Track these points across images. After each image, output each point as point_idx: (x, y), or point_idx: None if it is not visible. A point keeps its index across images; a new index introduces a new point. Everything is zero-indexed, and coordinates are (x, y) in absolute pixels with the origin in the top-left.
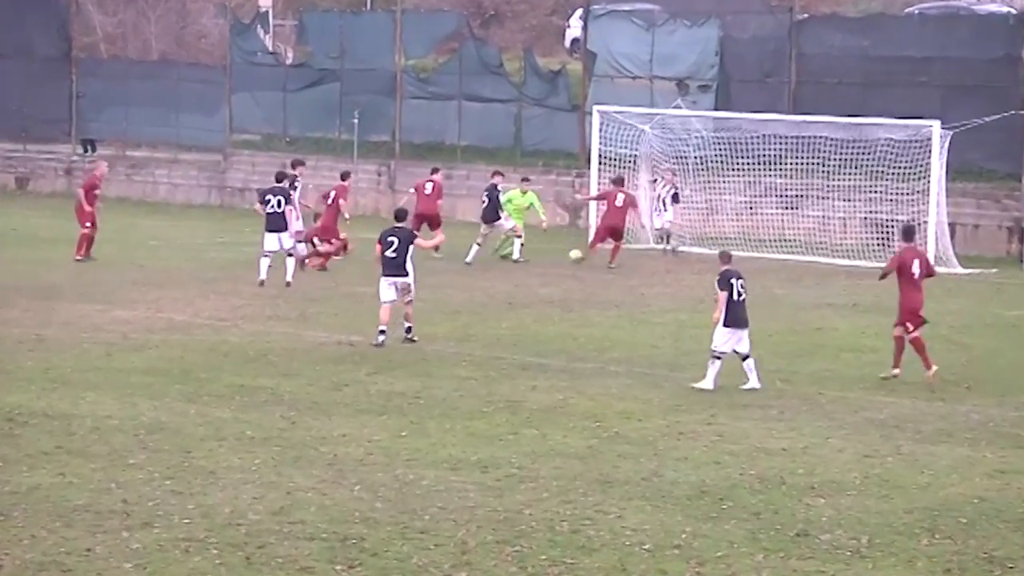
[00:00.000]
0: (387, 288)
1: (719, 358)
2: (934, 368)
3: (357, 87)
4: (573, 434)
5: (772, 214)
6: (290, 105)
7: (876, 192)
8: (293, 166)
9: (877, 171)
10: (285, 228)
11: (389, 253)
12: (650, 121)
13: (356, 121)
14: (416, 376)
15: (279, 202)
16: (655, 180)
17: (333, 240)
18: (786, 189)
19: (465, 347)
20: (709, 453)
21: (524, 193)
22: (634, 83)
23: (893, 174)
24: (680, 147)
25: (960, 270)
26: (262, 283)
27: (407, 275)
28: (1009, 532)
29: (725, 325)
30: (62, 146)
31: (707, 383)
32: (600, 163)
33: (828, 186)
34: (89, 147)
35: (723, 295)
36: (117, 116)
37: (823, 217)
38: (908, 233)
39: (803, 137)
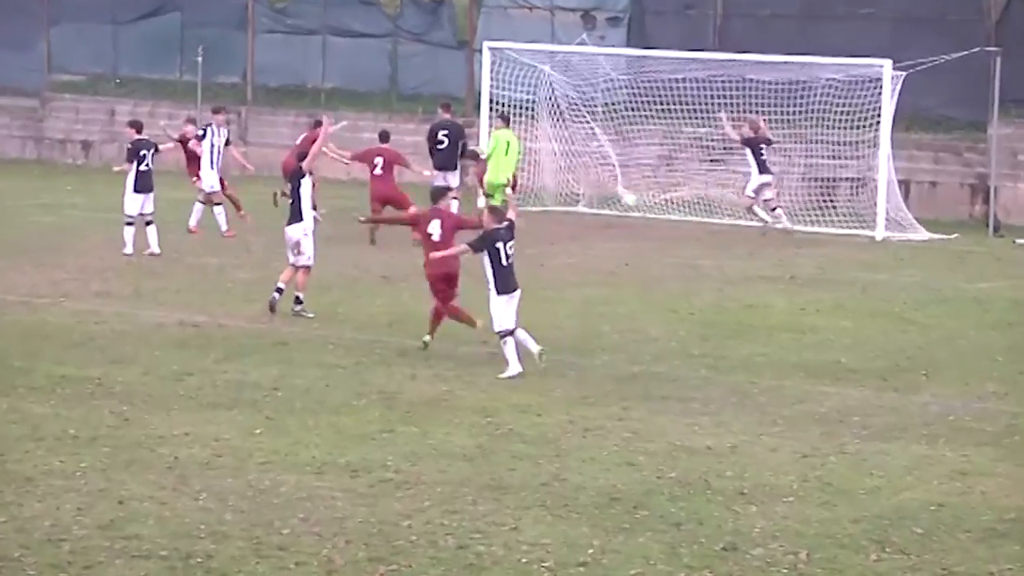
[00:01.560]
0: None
1: (509, 335)
2: None
3: (201, 18)
4: (459, 431)
5: (694, 170)
6: (121, 40)
7: (817, 144)
8: (214, 113)
9: (818, 119)
10: (152, 189)
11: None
12: (551, 60)
13: (200, 60)
14: (273, 364)
15: (151, 158)
16: (733, 125)
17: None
18: (711, 140)
19: (332, 329)
20: (621, 453)
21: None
22: (531, 15)
23: (836, 122)
24: (586, 91)
25: (917, 236)
26: (130, 256)
27: (300, 222)
28: (971, 544)
29: (499, 294)
30: None
31: (512, 368)
32: (491, 109)
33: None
34: None
35: (486, 259)
36: None
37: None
38: None
39: (731, 79)
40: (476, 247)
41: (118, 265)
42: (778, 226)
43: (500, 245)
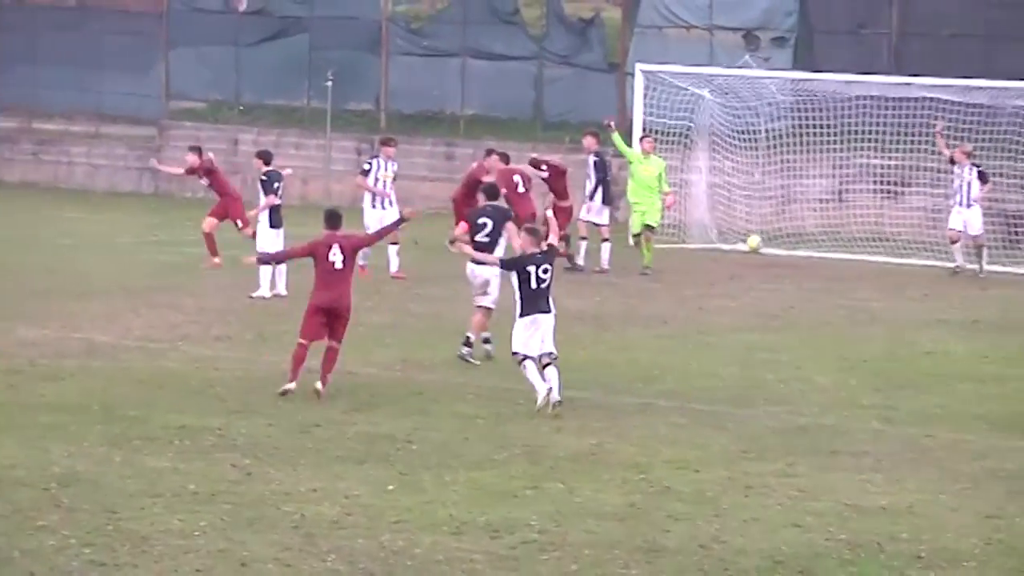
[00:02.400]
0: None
1: (525, 359)
2: None
3: (331, 40)
4: (610, 489)
5: (867, 204)
6: (244, 63)
7: (1002, 176)
8: (384, 144)
9: (1003, 149)
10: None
11: (481, 237)
12: (709, 84)
13: (329, 84)
14: (407, 414)
15: (280, 191)
16: (955, 162)
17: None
18: (886, 172)
19: (471, 376)
20: (786, 513)
21: (646, 158)
22: (689, 35)
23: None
24: (748, 118)
25: None
26: (267, 299)
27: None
28: None
29: (521, 316)
30: None
31: (541, 391)
32: (643, 138)
33: (940, 168)
34: None
35: (515, 280)
36: (22, 78)
37: (933, 208)
38: None
39: (907, 105)
40: (506, 265)
41: (241, 307)
42: (968, 267)
43: (532, 269)
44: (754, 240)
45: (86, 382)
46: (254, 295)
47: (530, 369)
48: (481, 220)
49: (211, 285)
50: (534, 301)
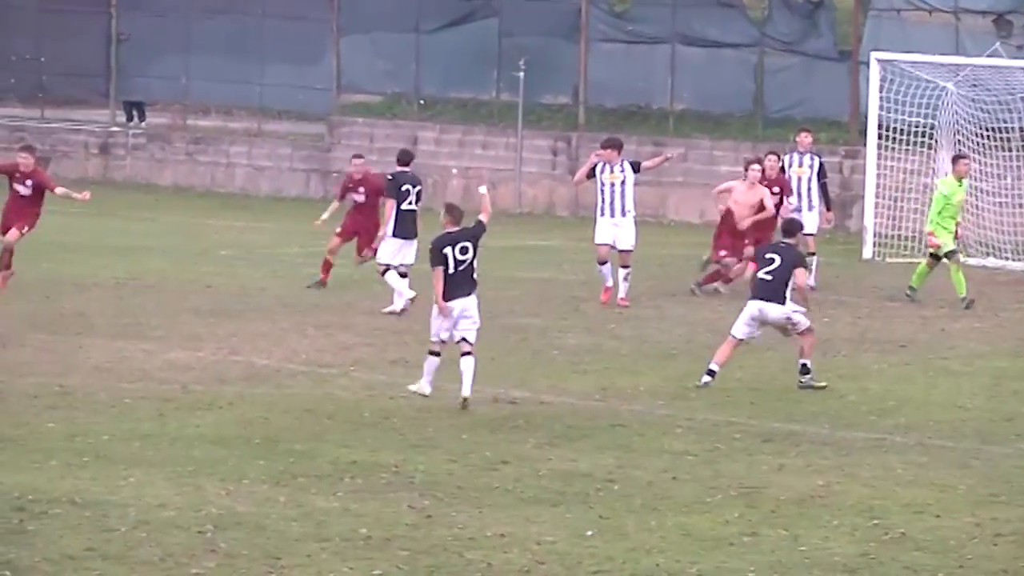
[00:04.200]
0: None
1: (438, 350)
2: None
3: (523, 26)
4: (839, 536)
5: None
6: (425, 52)
7: None
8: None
9: None
10: (417, 235)
11: (764, 274)
12: (955, 76)
13: (522, 75)
14: (608, 450)
15: (417, 195)
16: None
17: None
18: None
19: (681, 408)
20: None
21: (960, 182)
22: (931, 19)
23: None
24: (1000, 114)
25: None
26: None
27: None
28: None
29: (444, 299)
30: (96, 111)
31: (423, 388)
32: (881, 136)
33: None
34: (136, 113)
35: (438, 272)
36: (174, 69)
37: None
38: None
39: None
40: (432, 262)
41: (420, 328)
42: None
43: (448, 250)
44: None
45: (246, 411)
46: (385, 311)
47: (431, 363)
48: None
49: (386, 302)
50: (455, 285)
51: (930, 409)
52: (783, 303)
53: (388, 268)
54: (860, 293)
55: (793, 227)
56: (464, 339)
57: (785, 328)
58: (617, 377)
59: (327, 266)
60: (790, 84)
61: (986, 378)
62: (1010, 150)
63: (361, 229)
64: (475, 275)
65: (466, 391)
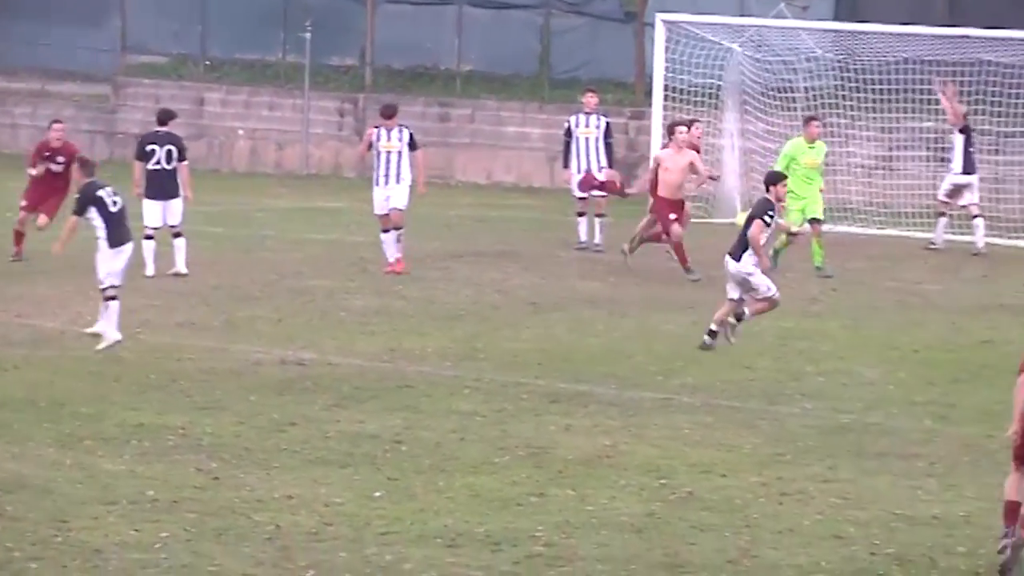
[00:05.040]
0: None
1: (115, 295)
2: None
3: None
4: (626, 495)
5: (920, 174)
6: (212, 13)
7: None
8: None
9: None
10: (176, 194)
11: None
12: (740, 37)
13: (308, 36)
14: (396, 411)
15: (168, 155)
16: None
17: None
18: (939, 138)
19: (468, 368)
20: (825, 524)
21: (813, 143)
22: None
23: None
24: (784, 75)
25: None
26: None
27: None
28: None
29: (111, 247)
30: None
31: (111, 336)
32: (666, 97)
33: (1003, 134)
34: None
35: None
36: None
37: (995, 179)
38: None
39: (965, 62)
40: (77, 211)
41: (207, 289)
42: (980, 245)
43: (102, 193)
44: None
45: (31, 375)
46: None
47: (113, 310)
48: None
49: (172, 264)
50: (120, 228)
51: (717, 369)
52: (738, 260)
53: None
54: (646, 254)
55: (768, 179)
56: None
57: (747, 288)
58: (405, 338)
59: (18, 237)
60: (576, 45)
61: (772, 338)
62: (795, 110)
63: (48, 198)
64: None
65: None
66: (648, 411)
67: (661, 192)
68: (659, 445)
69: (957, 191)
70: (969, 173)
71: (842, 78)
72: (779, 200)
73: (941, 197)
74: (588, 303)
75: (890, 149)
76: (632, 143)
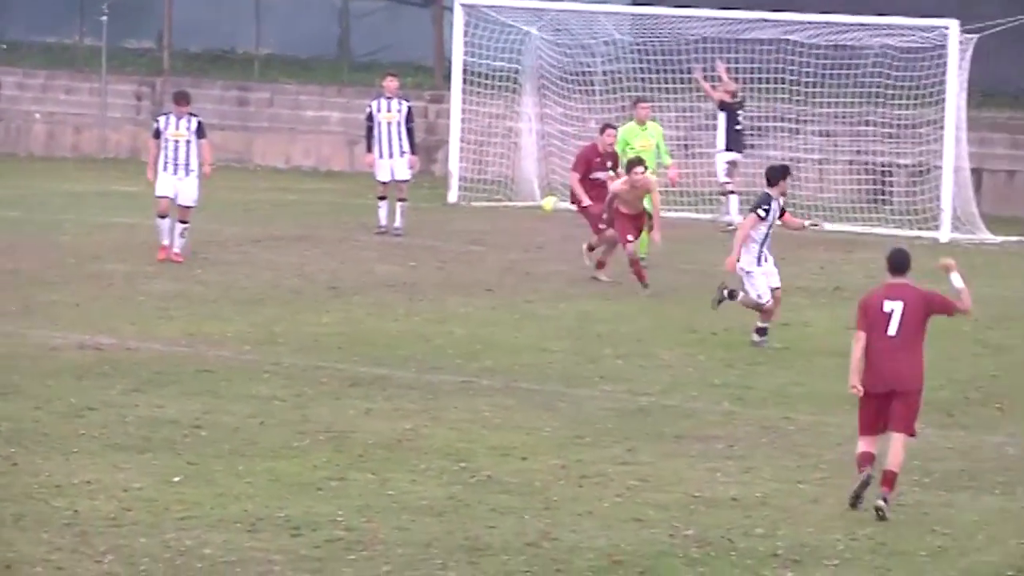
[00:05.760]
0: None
1: None
2: None
3: None
4: (427, 479)
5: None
6: None
7: (868, 125)
8: (177, 102)
9: (870, 94)
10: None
11: None
12: (538, 20)
13: (105, 19)
14: (196, 396)
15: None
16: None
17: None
18: (738, 119)
19: (268, 353)
20: (625, 506)
21: (644, 125)
22: None
23: (891, 98)
24: (582, 58)
25: (991, 237)
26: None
27: None
28: None
29: None
30: None
31: None
32: (465, 81)
33: (800, 114)
34: None
35: None
36: None
37: (793, 160)
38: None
39: (763, 44)
40: None
41: (2, 274)
42: (725, 218)
43: None
44: (550, 202)
45: None
46: None
47: None
48: None
49: None
50: None
51: (516, 352)
52: (739, 258)
53: None
54: (446, 237)
55: (770, 174)
56: None
57: (743, 285)
58: (204, 323)
59: None
60: (376, 28)
61: (571, 321)
62: (593, 93)
63: None
64: None
65: None
66: (448, 394)
67: (621, 208)
68: (459, 428)
69: (734, 167)
70: (733, 151)
71: (640, 61)
72: (783, 195)
73: (722, 179)
74: (388, 287)
75: (688, 131)
76: (432, 127)
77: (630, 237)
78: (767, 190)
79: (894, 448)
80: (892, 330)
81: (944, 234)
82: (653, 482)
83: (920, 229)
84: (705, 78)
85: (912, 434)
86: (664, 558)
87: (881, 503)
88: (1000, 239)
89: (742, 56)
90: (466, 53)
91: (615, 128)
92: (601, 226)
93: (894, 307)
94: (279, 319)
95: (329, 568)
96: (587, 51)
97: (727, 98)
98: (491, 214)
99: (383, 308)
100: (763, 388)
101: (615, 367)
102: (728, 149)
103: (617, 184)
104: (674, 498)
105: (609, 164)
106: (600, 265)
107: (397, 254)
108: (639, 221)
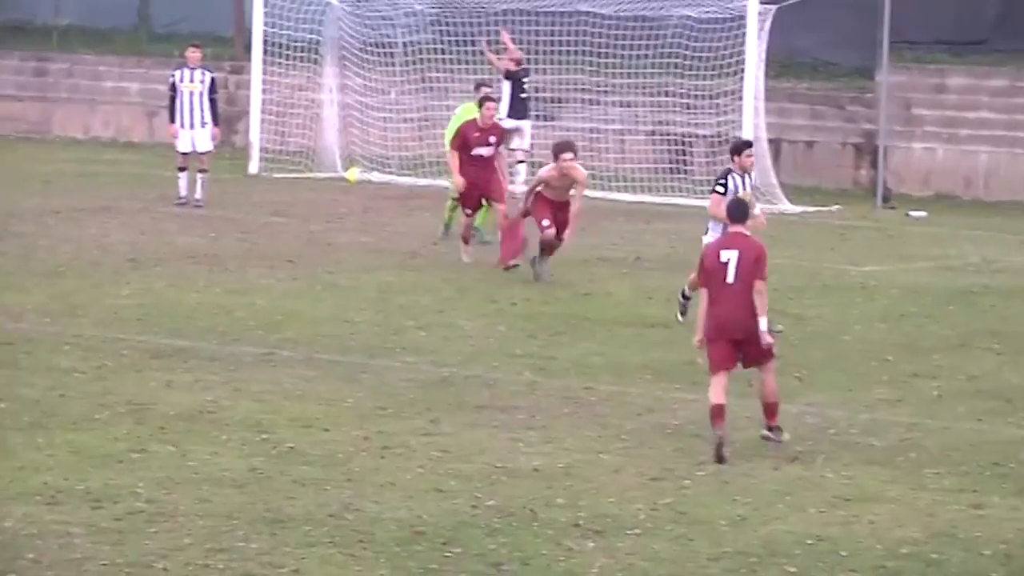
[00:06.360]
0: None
1: None
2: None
3: None
4: (228, 451)
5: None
6: None
7: (667, 96)
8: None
9: (669, 64)
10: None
11: None
12: None
13: None
14: None
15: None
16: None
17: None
18: (537, 93)
19: (68, 325)
20: (427, 477)
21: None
22: None
23: (691, 69)
24: (384, 30)
25: (790, 207)
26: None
27: None
28: None
29: None
30: None
31: None
32: (266, 51)
33: (599, 85)
34: None
35: None
36: None
37: (591, 131)
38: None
39: (562, 16)
40: None
41: None
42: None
43: None
44: (354, 173)
45: None
46: None
47: None
48: None
49: None
50: None
51: (318, 323)
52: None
53: None
54: (247, 209)
55: (732, 148)
56: None
57: None
58: (2, 295)
59: None
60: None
61: (373, 292)
62: (393, 65)
63: None
64: None
65: None
66: (249, 366)
67: (545, 193)
68: (260, 400)
69: (518, 135)
70: (517, 118)
71: (440, 32)
72: (743, 170)
73: (525, 147)
74: (188, 258)
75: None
76: (232, 98)
77: (545, 222)
78: (729, 165)
79: (765, 380)
80: (730, 278)
81: None
82: (455, 453)
83: None
84: (491, 48)
85: (772, 356)
86: (466, 528)
87: (768, 432)
88: (799, 209)
89: (542, 29)
90: (267, 24)
91: (494, 101)
92: (545, 223)
93: (730, 256)
94: (79, 291)
95: (130, 540)
96: (388, 22)
97: (512, 66)
98: (292, 185)
99: (184, 280)
100: (565, 358)
101: (417, 338)
102: (512, 116)
103: (545, 170)
104: (476, 469)
105: (491, 139)
106: (465, 240)
107: (198, 226)
108: (563, 209)
